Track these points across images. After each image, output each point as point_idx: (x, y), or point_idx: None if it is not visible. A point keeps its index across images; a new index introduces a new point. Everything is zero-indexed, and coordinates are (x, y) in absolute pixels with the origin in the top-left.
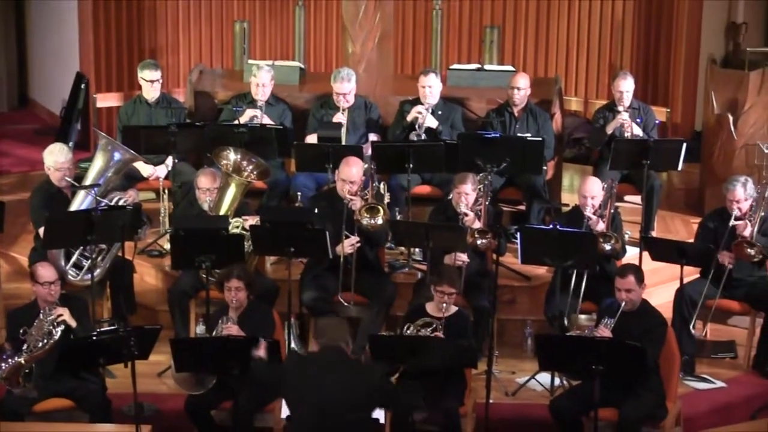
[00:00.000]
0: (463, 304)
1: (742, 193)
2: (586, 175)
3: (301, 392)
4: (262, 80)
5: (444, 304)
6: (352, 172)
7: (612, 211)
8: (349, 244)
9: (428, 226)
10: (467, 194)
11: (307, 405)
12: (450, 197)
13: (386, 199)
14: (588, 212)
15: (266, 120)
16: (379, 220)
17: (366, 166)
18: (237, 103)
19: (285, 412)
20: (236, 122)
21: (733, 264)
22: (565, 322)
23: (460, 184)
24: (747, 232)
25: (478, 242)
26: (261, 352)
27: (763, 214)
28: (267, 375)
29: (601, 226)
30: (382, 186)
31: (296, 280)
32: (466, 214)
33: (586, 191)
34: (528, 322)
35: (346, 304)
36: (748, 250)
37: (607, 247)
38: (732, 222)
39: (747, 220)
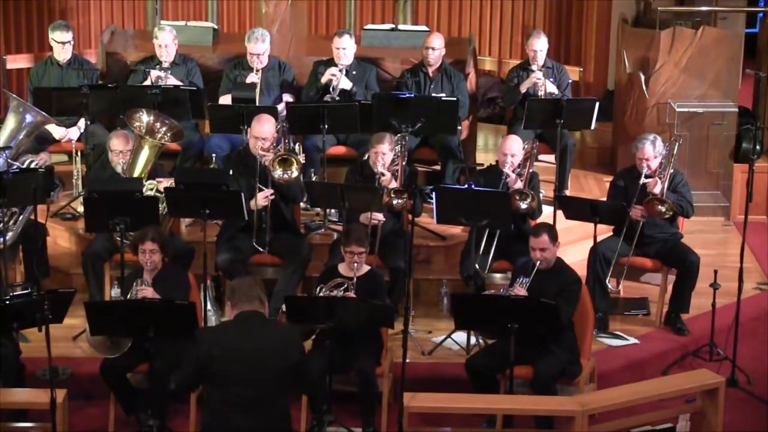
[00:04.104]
0: (379, 265)
1: (651, 151)
2: (507, 134)
3: (224, 366)
4: (164, 41)
5: (355, 264)
6: (263, 128)
7: (530, 171)
8: (263, 197)
9: (344, 187)
10: (384, 154)
11: (231, 376)
12: (365, 157)
13: (301, 160)
14: (507, 170)
15: (172, 80)
16: (294, 173)
17: (278, 126)
18: (146, 65)
19: None
20: (148, 83)
21: (645, 218)
22: (483, 277)
23: (377, 144)
24: (657, 190)
25: (394, 202)
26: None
27: (672, 171)
28: (188, 370)
29: (518, 185)
30: (297, 147)
31: (211, 242)
32: (383, 174)
33: (507, 149)
34: (444, 282)
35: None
36: (659, 207)
37: (523, 205)
38: (642, 180)
39: (657, 177)
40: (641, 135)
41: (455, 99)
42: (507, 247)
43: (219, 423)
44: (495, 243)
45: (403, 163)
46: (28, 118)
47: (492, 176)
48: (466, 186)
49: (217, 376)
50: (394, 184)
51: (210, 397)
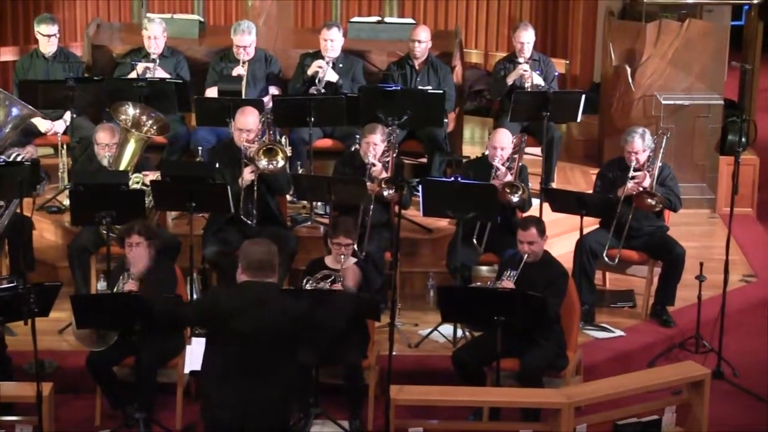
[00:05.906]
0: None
1: (641, 144)
2: (497, 127)
3: (225, 321)
4: (153, 33)
5: (342, 256)
6: (248, 120)
7: (520, 164)
8: (249, 171)
9: (330, 180)
10: (376, 145)
11: (230, 335)
12: (353, 149)
13: (288, 152)
14: (497, 163)
15: (159, 72)
16: (279, 162)
17: (263, 118)
18: (132, 57)
19: (188, 367)
20: (134, 76)
21: (639, 187)
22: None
23: (369, 135)
24: (646, 183)
25: (385, 193)
26: None
27: (660, 164)
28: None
29: (508, 179)
30: (283, 140)
31: (198, 234)
32: (374, 165)
33: (497, 142)
34: (430, 275)
35: None
36: (649, 200)
37: (515, 198)
38: (631, 173)
39: (645, 171)
40: (630, 128)
41: (442, 92)
42: (494, 239)
43: (218, 389)
44: (486, 236)
45: (394, 155)
46: (14, 111)
47: (481, 167)
48: (452, 178)
49: (216, 340)
50: (384, 176)
51: (209, 364)
